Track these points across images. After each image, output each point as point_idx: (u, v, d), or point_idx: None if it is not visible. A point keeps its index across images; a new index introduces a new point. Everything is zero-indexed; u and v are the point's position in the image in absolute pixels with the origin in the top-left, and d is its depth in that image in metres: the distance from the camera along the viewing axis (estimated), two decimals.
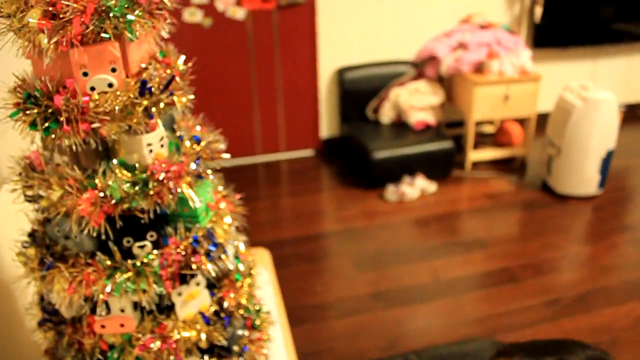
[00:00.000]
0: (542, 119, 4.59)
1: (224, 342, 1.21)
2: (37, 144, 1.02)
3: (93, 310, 1.08)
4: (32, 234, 1.09)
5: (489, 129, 4.87)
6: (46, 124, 0.91)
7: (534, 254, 3.25)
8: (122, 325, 1.08)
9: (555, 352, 0.63)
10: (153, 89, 0.99)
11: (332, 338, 2.66)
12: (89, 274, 1.01)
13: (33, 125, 0.92)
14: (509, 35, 4.24)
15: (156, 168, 1.01)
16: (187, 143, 1.11)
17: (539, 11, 4.56)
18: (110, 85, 0.95)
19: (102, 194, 0.97)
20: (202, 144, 1.12)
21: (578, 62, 5.01)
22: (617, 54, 5.07)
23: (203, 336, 1.14)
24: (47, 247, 1.06)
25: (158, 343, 1.09)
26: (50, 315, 1.12)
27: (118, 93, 0.95)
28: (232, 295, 1.22)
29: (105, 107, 0.93)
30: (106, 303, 1.06)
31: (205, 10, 3.97)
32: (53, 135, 0.92)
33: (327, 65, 4.42)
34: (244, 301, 1.24)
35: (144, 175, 1.01)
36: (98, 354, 1.10)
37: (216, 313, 1.19)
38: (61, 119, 0.91)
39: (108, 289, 1.02)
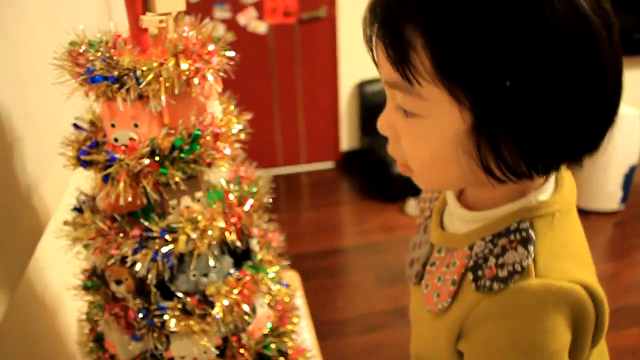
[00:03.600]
0: None
1: None
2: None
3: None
4: (145, 309, 1.02)
5: None
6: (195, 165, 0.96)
7: None
8: (268, 317, 1.15)
9: None
10: None
11: (353, 354, 2.68)
12: (250, 284, 1.07)
13: (184, 171, 0.95)
14: None
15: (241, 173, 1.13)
16: None
17: None
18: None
19: (246, 209, 1.04)
20: None
21: None
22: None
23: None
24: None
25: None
26: None
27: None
28: None
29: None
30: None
31: (227, 24, 4.01)
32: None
33: (348, 78, 4.44)
34: None
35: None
36: None
37: None
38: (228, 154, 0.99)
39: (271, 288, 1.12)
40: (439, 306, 0.72)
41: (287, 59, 4.25)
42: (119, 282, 1.03)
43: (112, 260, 0.98)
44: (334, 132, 4.61)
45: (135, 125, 0.92)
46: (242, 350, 1.09)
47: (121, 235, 0.96)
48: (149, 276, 0.98)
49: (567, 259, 0.65)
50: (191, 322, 0.99)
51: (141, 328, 1.01)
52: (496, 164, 0.62)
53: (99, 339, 1.15)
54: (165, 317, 1.00)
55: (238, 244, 1.04)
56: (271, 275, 1.12)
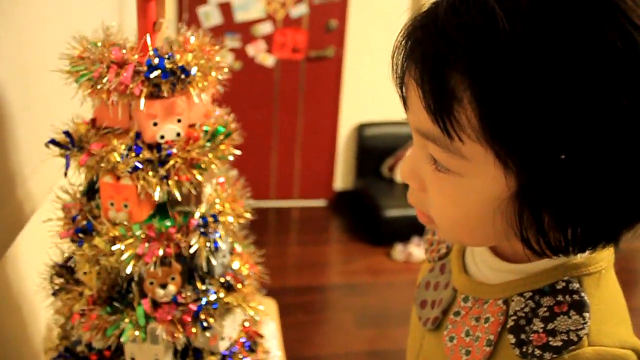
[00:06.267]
0: None
1: None
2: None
3: None
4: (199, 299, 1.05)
5: None
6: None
7: None
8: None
9: None
10: None
11: None
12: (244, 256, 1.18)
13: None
14: None
15: None
16: None
17: None
18: None
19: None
20: None
21: None
22: None
23: None
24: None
25: None
26: None
27: None
28: None
29: None
30: None
31: (236, 54, 4.07)
32: None
33: (349, 119, 4.49)
34: None
35: None
36: None
37: None
38: None
39: None
40: None
41: (290, 94, 4.31)
42: (164, 286, 1.01)
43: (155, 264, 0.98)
44: (329, 171, 4.63)
45: (178, 121, 0.96)
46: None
47: (180, 233, 0.97)
48: (203, 264, 1.03)
49: (615, 321, 0.61)
50: (239, 297, 1.07)
51: (206, 318, 1.03)
52: (536, 238, 0.56)
53: None
54: (214, 298, 1.05)
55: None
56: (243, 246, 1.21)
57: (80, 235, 0.97)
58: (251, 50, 4.09)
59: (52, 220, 1.04)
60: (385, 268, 3.79)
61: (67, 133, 0.95)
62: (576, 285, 0.60)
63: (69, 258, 1.08)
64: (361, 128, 4.44)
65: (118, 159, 0.92)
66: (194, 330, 1.00)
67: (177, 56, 0.93)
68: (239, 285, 1.08)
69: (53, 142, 0.96)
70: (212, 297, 1.03)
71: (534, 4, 0.48)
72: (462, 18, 0.50)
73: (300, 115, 4.39)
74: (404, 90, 0.61)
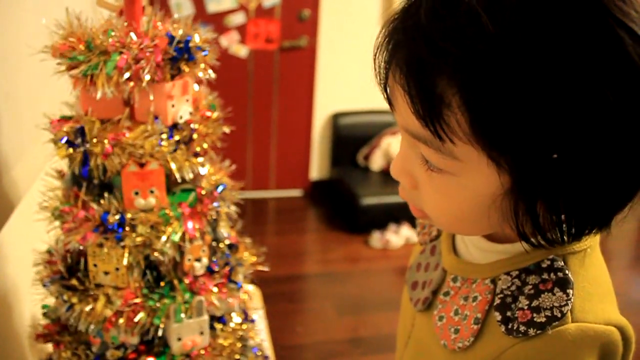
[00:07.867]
0: None
1: None
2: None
3: None
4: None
5: None
6: None
7: None
8: None
9: None
10: None
11: None
12: None
13: None
14: None
15: None
16: None
17: None
18: None
19: None
20: None
21: None
22: None
23: None
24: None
25: None
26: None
27: None
28: None
29: None
30: None
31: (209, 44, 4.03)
32: None
33: (323, 108, 4.50)
34: None
35: None
36: None
37: None
38: None
39: None
40: (459, 344, 0.66)
41: (264, 85, 4.30)
42: (199, 260, 1.04)
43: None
44: (305, 160, 4.64)
45: (187, 100, 0.99)
46: None
47: (210, 204, 1.03)
48: (223, 232, 1.12)
49: (599, 299, 0.62)
50: (247, 254, 1.19)
51: (238, 278, 1.10)
52: (532, 232, 0.58)
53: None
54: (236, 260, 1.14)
55: None
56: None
57: (119, 230, 0.94)
58: (224, 41, 4.06)
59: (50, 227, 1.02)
60: (363, 256, 3.82)
61: (81, 129, 0.90)
62: (560, 264, 0.62)
63: (72, 267, 1.04)
64: (336, 117, 4.45)
65: (156, 143, 0.91)
66: (231, 292, 1.08)
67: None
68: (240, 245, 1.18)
69: (67, 141, 0.91)
70: (234, 260, 1.11)
71: (518, 6, 0.48)
72: (447, 22, 0.50)
73: (275, 105, 4.38)
74: (388, 91, 0.61)
